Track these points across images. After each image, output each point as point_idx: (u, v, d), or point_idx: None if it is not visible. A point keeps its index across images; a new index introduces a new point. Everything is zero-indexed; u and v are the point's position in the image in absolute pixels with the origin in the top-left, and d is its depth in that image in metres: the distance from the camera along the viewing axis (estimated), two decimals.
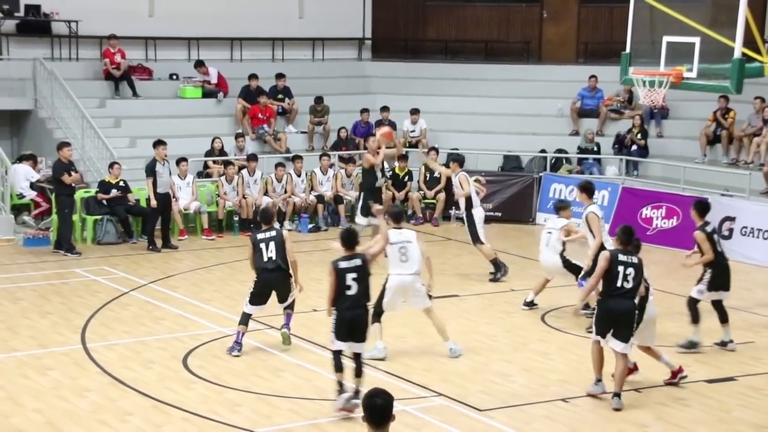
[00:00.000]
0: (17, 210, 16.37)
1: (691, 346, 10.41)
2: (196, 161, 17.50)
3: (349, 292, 8.30)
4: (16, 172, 16.50)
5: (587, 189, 11.40)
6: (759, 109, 18.13)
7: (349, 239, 8.47)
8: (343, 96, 20.77)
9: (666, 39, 11.50)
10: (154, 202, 15.07)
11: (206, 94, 19.67)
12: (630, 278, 8.68)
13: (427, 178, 18.11)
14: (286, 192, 17.25)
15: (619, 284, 8.67)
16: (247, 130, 19.14)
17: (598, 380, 9.01)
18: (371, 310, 8.86)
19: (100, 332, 10.71)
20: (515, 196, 17.98)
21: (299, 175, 17.49)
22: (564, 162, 19.08)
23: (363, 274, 8.36)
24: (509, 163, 19.39)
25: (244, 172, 17.06)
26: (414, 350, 10.33)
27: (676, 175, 17.41)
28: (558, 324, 11.54)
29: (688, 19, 11.34)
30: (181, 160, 16.22)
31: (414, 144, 19.58)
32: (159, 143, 15.40)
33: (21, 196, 16.61)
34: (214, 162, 17.66)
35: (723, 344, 10.55)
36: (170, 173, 15.54)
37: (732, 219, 15.64)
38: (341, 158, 18.66)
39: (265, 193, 17.14)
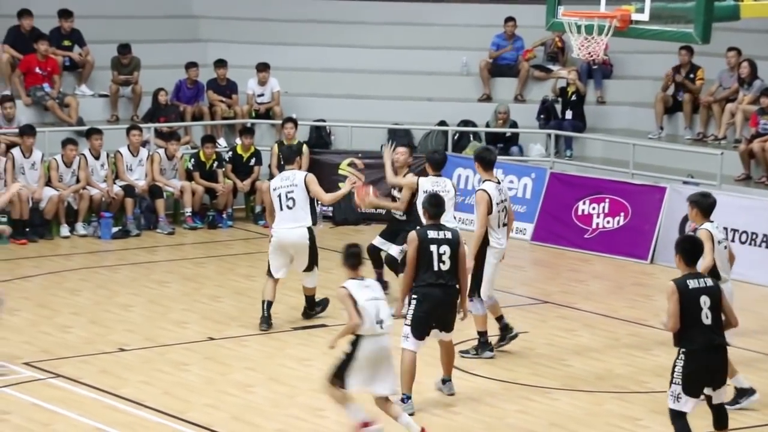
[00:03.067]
0: None
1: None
2: None
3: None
4: None
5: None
6: (734, 64, 18.54)
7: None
8: (160, 44, 20.59)
9: None
10: None
11: None
12: (446, 258, 10.24)
13: (281, 162, 17.95)
14: (78, 181, 17.07)
15: (435, 268, 10.23)
16: (19, 92, 18.84)
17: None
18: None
19: None
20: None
21: (97, 158, 17.30)
22: (471, 138, 19.41)
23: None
24: (397, 141, 19.48)
25: (15, 151, 16.81)
26: None
27: (623, 156, 17.90)
28: None
29: None
30: None
31: (263, 113, 19.59)
32: None
33: None
34: None
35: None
36: None
37: None
38: (159, 133, 18.53)
39: (48, 183, 16.90)
